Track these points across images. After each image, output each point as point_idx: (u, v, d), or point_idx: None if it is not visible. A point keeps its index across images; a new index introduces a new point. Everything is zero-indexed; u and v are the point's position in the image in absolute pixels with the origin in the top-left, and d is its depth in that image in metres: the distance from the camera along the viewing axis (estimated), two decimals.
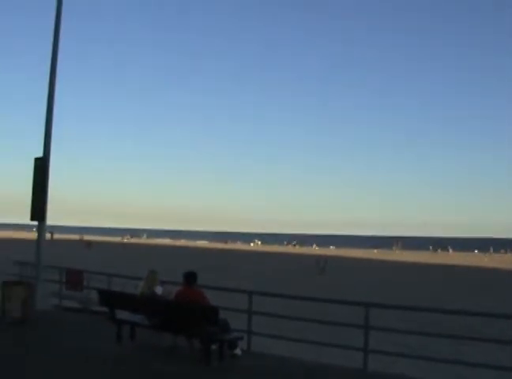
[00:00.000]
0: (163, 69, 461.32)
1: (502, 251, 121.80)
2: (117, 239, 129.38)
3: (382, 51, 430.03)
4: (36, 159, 16.05)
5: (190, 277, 11.31)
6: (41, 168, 15.88)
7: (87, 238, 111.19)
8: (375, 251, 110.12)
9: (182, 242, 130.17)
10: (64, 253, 50.23)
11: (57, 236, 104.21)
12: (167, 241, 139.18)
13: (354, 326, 11.82)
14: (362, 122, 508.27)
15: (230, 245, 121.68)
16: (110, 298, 11.98)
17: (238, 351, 11.04)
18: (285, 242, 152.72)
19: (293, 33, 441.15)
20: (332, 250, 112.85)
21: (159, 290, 11.92)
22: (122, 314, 11.93)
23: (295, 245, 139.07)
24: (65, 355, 10.56)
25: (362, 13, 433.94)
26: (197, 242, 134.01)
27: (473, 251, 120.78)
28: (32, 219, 15.98)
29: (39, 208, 15.85)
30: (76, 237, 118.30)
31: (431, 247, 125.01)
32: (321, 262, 52.30)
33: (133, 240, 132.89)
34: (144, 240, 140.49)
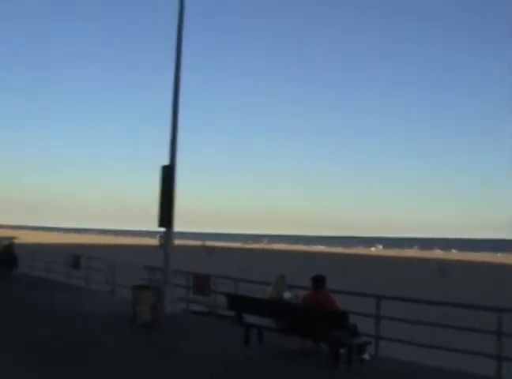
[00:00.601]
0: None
1: None
2: (238, 245, 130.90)
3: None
4: (163, 167, 16.51)
5: (319, 281, 11.31)
6: (168, 176, 16.31)
7: (208, 243, 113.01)
8: (499, 255, 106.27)
9: (301, 247, 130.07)
10: (187, 259, 51.27)
11: (178, 242, 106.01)
12: (287, 246, 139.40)
13: (485, 332, 11.46)
14: None
15: (350, 250, 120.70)
16: (238, 302, 12.14)
17: (366, 356, 10.94)
18: (406, 246, 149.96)
19: None
20: (454, 254, 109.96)
21: (287, 294, 11.98)
22: (250, 318, 12.08)
23: (416, 249, 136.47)
24: (195, 358, 10.80)
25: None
26: (315, 247, 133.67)
27: None
28: (160, 225, 16.40)
29: (166, 214, 16.27)
30: (197, 243, 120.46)
31: None
32: (444, 266, 51.10)
33: (255, 245, 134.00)
34: (265, 245, 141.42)
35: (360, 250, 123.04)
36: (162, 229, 16.65)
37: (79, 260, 25.18)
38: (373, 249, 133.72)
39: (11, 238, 50.15)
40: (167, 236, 16.57)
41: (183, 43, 17.02)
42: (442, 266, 51.17)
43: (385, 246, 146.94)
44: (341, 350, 10.51)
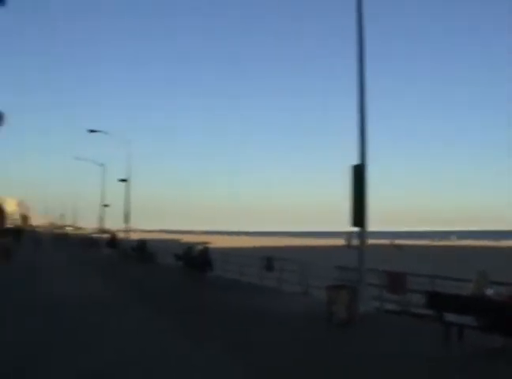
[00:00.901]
0: None
1: None
2: (426, 242, 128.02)
3: None
4: (354, 167, 16.67)
5: None
6: (359, 175, 16.46)
7: (397, 242, 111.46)
8: None
9: (491, 243, 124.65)
10: (376, 258, 51.00)
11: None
12: (476, 242, 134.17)
13: None
14: None
15: None
16: (438, 300, 12.00)
17: None
18: None
19: None
20: None
21: (489, 291, 11.69)
22: (448, 316, 11.91)
23: None
24: (395, 356, 10.85)
25: None
26: (506, 242, 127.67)
27: None
28: (354, 225, 16.55)
29: (358, 214, 16.39)
30: (385, 242, 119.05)
31: None
32: None
33: (443, 242, 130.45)
34: (453, 242, 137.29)
35: None
36: (353, 229, 16.78)
37: (272, 262, 25.85)
38: None
39: (205, 243, 52.46)
40: (361, 235, 16.67)
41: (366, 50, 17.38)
42: None
43: None
44: None
